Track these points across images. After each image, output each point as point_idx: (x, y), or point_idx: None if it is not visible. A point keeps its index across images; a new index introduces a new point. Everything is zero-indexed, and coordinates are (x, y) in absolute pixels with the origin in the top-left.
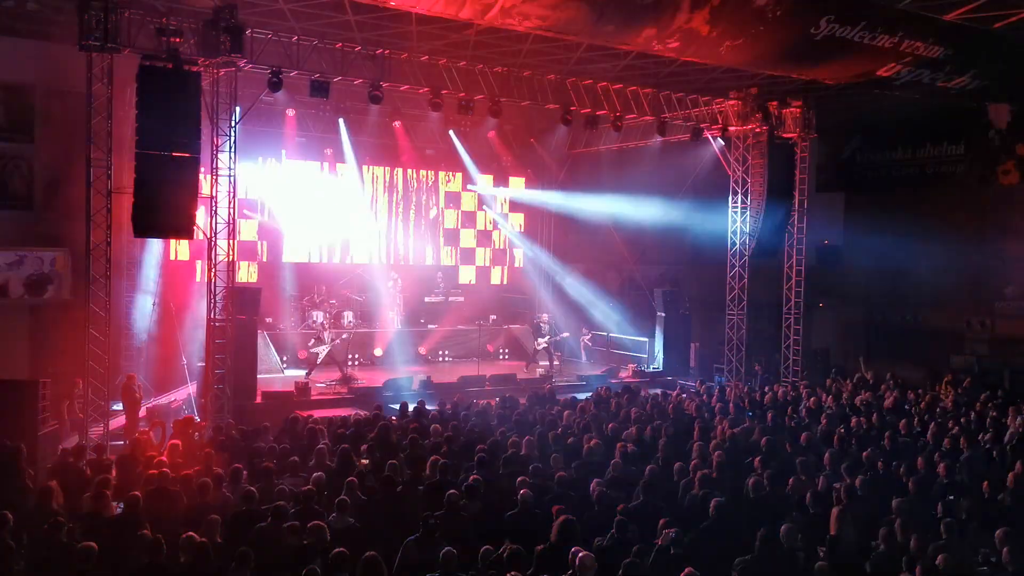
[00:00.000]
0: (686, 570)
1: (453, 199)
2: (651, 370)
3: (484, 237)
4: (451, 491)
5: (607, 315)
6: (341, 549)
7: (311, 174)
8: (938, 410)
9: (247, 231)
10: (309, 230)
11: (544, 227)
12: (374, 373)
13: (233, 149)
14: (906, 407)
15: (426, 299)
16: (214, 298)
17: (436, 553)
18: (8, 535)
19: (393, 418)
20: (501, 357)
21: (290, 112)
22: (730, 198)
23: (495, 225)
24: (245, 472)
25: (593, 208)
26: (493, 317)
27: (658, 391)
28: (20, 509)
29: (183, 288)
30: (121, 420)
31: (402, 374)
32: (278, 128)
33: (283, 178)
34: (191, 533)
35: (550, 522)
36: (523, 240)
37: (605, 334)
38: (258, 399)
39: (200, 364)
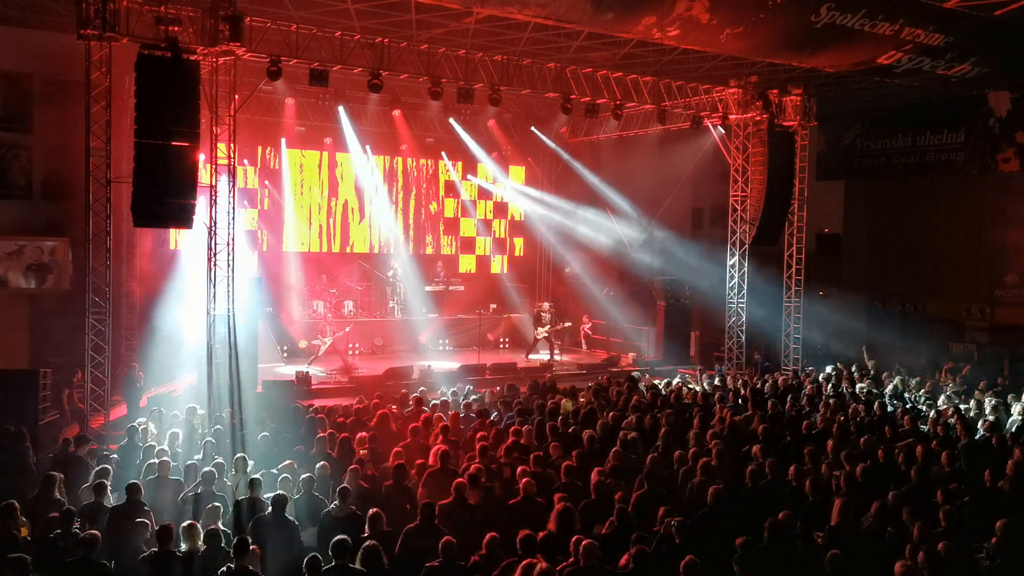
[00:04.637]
0: (687, 558)
1: (453, 188)
2: (651, 359)
3: (484, 226)
4: (458, 480)
5: (607, 304)
6: (343, 537)
7: (311, 163)
8: (941, 398)
9: (247, 220)
10: (309, 219)
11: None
12: (375, 362)
13: (232, 138)
14: (905, 395)
15: (426, 288)
16: (214, 288)
17: (436, 541)
18: (14, 524)
19: (394, 407)
20: (502, 346)
21: (289, 101)
22: (730, 186)
23: (495, 213)
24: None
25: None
26: (493, 306)
27: (658, 379)
28: (24, 496)
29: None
30: (122, 410)
31: (403, 363)
32: (277, 117)
33: (283, 167)
34: (194, 521)
35: (551, 510)
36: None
37: (605, 323)
38: (259, 388)
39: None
